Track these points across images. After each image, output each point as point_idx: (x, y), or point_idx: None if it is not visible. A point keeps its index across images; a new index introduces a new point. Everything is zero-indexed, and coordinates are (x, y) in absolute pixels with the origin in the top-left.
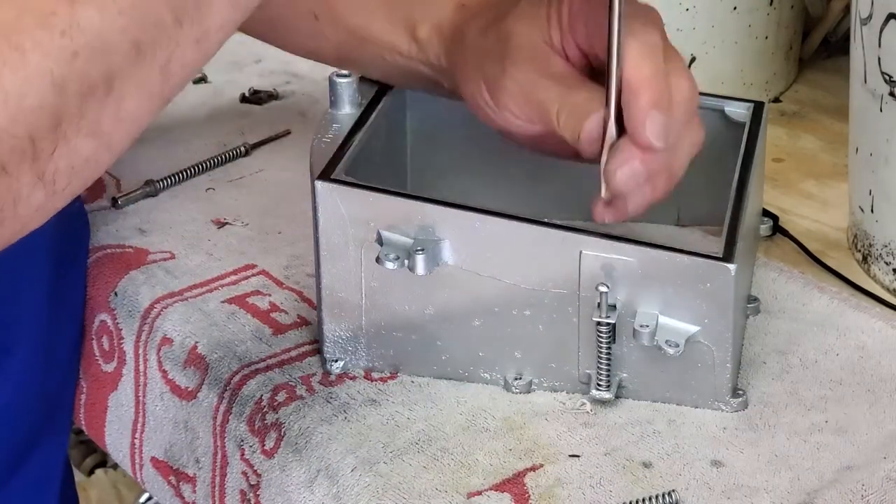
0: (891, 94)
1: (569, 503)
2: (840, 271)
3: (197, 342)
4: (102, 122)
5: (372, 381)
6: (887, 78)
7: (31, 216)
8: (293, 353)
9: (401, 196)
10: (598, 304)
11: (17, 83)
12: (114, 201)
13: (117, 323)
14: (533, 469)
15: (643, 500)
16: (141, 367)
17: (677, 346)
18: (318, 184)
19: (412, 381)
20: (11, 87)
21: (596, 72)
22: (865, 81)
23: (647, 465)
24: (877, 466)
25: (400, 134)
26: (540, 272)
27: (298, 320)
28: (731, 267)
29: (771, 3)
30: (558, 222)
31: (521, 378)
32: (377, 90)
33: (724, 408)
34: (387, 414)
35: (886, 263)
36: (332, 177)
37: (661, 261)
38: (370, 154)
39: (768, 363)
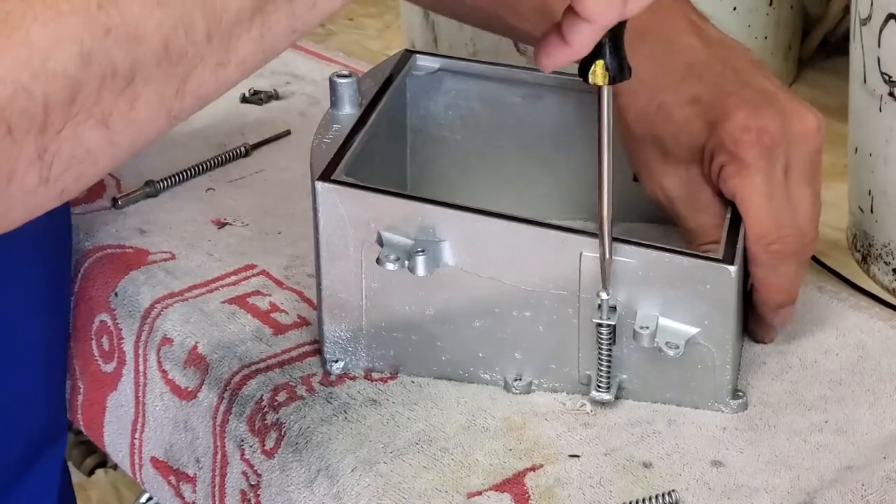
0: (890, 94)
1: (569, 503)
2: (840, 271)
3: (197, 342)
4: (113, 116)
5: (372, 381)
6: (887, 78)
7: (18, 200)
8: (293, 354)
9: (401, 197)
10: (599, 306)
11: (45, 41)
12: (114, 201)
13: (117, 323)
14: (533, 469)
15: (643, 500)
16: (141, 368)
17: (677, 347)
18: (319, 184)
19: (412, 382)
20: (40, 43)
21: None
22: (865, 81)
23: (647, 465)
24: (877, 466)
25: (400, 134)
26: (540, 273)
27: (298, 320)
28: (732, 268)
29: (770, 3)
30: (559, 223)
31: (521, 379)
32: (378, 90)
33: (723, 409)
34: (387, 414)
35: (886, 263)
36: (332, 177)
37: (662, 262)
38: (370, 154)
39: (768, 363)
